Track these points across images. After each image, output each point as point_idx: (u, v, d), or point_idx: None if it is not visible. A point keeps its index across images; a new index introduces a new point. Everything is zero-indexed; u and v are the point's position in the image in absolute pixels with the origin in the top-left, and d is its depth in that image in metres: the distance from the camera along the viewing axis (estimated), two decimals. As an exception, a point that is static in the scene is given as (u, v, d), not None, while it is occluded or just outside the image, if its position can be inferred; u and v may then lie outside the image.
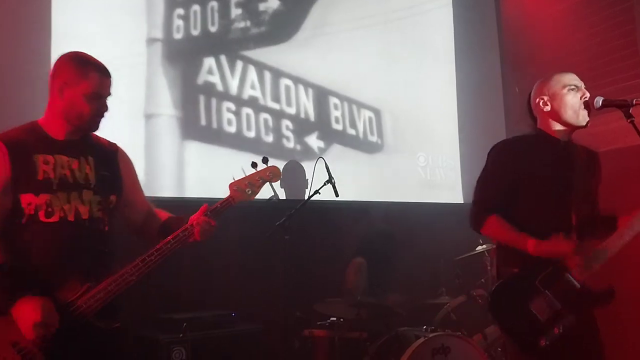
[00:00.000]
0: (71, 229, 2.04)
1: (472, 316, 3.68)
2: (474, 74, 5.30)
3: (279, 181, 2.22)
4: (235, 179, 2.14)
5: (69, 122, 2.10)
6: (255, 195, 2.15)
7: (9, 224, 2.00)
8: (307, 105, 4.15)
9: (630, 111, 2.25)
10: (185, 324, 3.27)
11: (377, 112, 4.51)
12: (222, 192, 2.17)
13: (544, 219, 2.32)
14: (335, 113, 4.26)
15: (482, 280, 4.04)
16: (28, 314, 1.86)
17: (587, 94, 2.37)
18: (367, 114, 4.42)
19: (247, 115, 3.89)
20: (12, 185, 2.00)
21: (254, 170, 2.14)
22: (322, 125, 4.22)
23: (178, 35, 3.73)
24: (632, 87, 4.41)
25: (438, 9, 5.30)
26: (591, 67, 4.42)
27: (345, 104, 4.31)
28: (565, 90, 2.38)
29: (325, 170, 3.68)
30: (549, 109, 2.41)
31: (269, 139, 3.99)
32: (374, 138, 4.44)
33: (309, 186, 3.77)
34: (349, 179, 4.08)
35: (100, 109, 2.12)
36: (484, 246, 3.98)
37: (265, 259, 3.83)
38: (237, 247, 3.84)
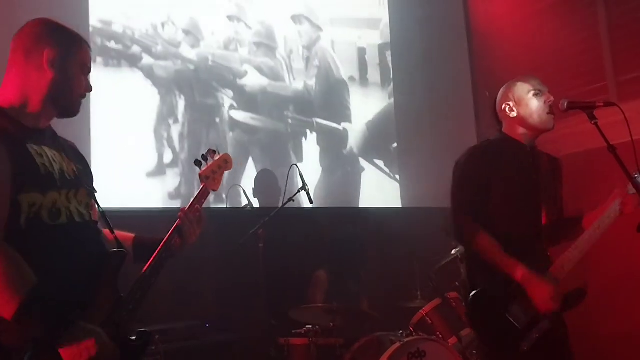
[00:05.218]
0: (82, 232, 1.75)
1: (447, 319, 3.69)
2: (444, 77, 5.35)
3: (231, 169, 2.14)
4: (201, 169, 2.03)
5: (53, 101, 1.74)
6: (219, 184, 2.05)
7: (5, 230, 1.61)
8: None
9: (594, 113, 2.27)
10: (157, 336, 3.21)
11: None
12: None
13: (514, 222, 2.35)
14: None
15: (456, 283, 4.06)
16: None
17: (552, 98, 2.39)
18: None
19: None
20: (12, 183, 1.62)
21: (211, 160, 2.04)
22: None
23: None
24: (597, 90, 4.52)
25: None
26: (558, 70, 4.51)
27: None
28: (530, 95, 2.42)
29: (299, 177, 3.68)
30: (515, 114, 2.44)
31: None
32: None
33: (282, 194, 3.76)
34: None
35: (89, 86, 1.81)
36: (458, 249, 4.00)
37: (239, 268, 3.79)
38: (211, 256, 3.80)
